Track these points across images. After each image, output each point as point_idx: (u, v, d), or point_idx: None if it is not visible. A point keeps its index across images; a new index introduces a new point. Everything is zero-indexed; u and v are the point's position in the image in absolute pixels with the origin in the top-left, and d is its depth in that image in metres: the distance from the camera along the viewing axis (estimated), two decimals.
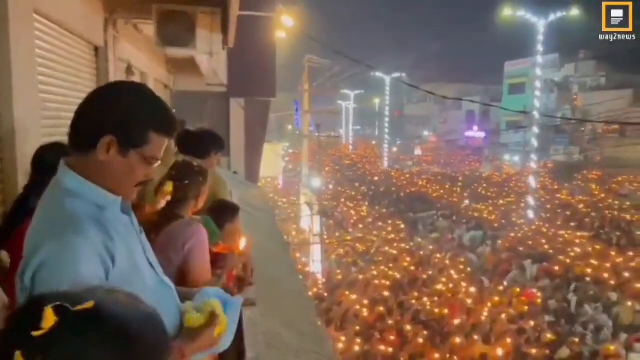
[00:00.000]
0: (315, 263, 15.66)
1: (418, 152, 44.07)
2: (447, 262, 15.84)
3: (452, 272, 14.61)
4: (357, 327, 10.06)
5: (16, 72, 2.64)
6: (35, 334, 0.62)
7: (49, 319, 0.63)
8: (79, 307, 0.64)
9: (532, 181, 23.41)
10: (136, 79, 6.28)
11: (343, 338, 9.20)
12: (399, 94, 54.09)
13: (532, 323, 10.71)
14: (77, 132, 1.23)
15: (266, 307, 3.14)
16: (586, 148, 32.83)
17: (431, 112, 52.05)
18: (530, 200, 22.55)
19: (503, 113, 38.07)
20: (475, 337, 9.82)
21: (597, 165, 30.10)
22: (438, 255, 16.73)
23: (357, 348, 8.86)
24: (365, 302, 11.72)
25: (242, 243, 2.65)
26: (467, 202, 25.44)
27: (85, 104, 1.26)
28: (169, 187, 2.16)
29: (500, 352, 8.86)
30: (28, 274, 1.12)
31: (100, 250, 1.15)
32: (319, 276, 14.29)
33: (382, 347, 9.17)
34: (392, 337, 9.59)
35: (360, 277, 14.17)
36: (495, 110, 42.02)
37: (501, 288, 13.29)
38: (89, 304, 0.65)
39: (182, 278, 1.95)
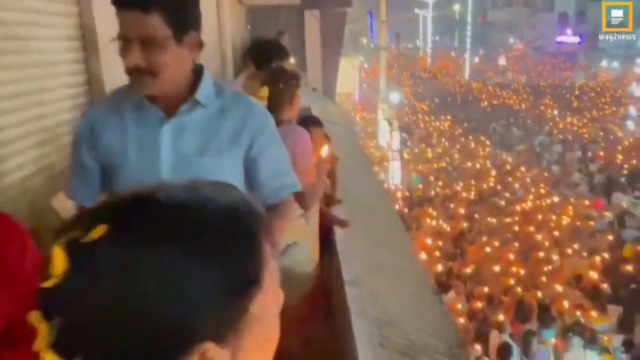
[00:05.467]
0: (394, 180, 15.49)
1: (502, 61, 41.14)
2: (528, 179, 15.17)
3: (541, 186, 14.03)
4: (440, 243, 10.02)
5: None
6: (45, 285, 0.46)
7: (59, 261, 0.46)
8: (90, 237, 0.46)
9: (635, 88, 21.28)
10: None
11: (424, 256, 9.17)
12: None
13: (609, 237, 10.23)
14: None
15: (357, 226, 3.05)
16: None
17: (519, 17, 47.79)
18: (632, 111, 20.64)
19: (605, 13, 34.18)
20: (554, 257, 9.44)
21: None
22: (522, 169, 16.08)
23: (439, 266, 8.82)
24: (445, 219, 11.59)
25: (324, 150, 2.59)
26: (555, 112, 23.79)
27: None
28: (264, 92, 2.16)
29: (594, 274, 8.51)
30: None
31: None
32: (398, 194, 14.18)
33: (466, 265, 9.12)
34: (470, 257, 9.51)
35: (440, 193, 13.96)
36: (592, 11, 37.80)
37: (572, 199, 12.91)
38: (101, 230, 0.46)
39: None
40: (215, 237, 0.48)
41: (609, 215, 11.81)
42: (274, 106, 2.19)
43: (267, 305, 0.51)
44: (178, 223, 0.48)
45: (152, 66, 1.26)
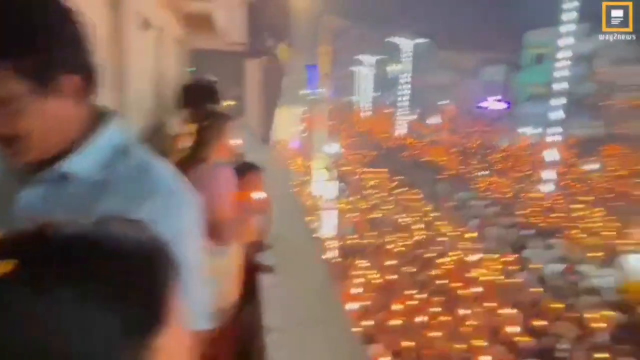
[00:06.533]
0: (327, 229, 15.57)
1: (436, 120, 43.50)
2: (453, 233, 15.75)
3: (464, 241, 14.60)
4: (370, 294, 10.07)
5: None
6: None
7: None
8: None
9: (550, 154, 23.01)
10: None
11: (356, 306, 9.16)
12: (420, 60, 53.01)
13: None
14: None
15: (285, 273, 3.01)
16: (611, 122, 32.03)
17: (452, 81, 50.97)
18: (547, 174, 22.24)
19: (525, 84, 37.49)
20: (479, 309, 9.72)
21: (623, 141, 29.24)
22: (445, 223, 16.73)
23: (370, 322, 8.82)
24: (375, 271, 11.72)
25: (257, 194, 2.58)
26: (481, 173, 25.25)
27: None
28: (191, 128, 2.21)
29: (514, 329, 8.81)
30: None
31: None
32: (330, 243, 14.24)
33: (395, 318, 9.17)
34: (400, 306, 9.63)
35: (372, 244, 14.16)
36: (514, 81, 41.05)
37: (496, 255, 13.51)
38: (8, 265, 0.44)
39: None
40: (119, 278, 0.47)
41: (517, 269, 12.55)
42: (200, 144, 2.21)
43: (173, 344, 0.49)
44: (82, 261, 0.46)
45: (13, 132, 0.95)
